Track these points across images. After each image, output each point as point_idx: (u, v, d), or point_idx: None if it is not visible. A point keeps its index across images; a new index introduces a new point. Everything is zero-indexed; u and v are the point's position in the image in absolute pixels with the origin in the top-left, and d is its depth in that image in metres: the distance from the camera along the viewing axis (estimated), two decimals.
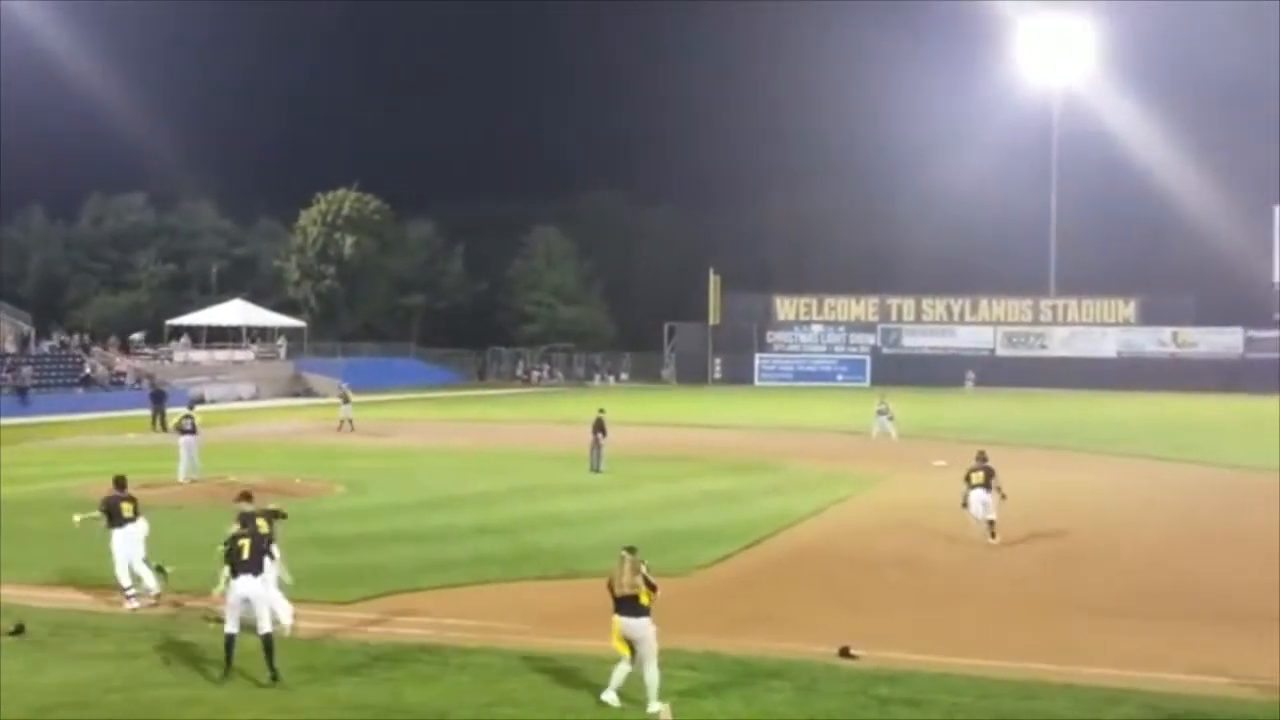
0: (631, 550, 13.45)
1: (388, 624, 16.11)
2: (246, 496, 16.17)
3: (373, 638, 15.35)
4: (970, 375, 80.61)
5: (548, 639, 15.30)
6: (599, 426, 32.86)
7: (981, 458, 22.74)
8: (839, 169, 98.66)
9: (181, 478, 30.90)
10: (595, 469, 32.27)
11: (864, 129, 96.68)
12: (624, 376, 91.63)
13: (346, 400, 47.40)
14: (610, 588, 13.34)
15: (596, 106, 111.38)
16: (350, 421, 46.18)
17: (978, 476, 22.30)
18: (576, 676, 13.87)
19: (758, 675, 13.93)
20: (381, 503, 27.08)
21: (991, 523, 22.01)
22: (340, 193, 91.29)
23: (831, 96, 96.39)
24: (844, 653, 14.64)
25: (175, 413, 38.36)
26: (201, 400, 49.53)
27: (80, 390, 60.10)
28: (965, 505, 22.26)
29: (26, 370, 57.93)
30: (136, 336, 73.47)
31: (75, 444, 41.64)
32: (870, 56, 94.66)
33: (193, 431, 31.49)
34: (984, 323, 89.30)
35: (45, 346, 65.65)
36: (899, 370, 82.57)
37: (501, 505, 26.43)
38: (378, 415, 56.84)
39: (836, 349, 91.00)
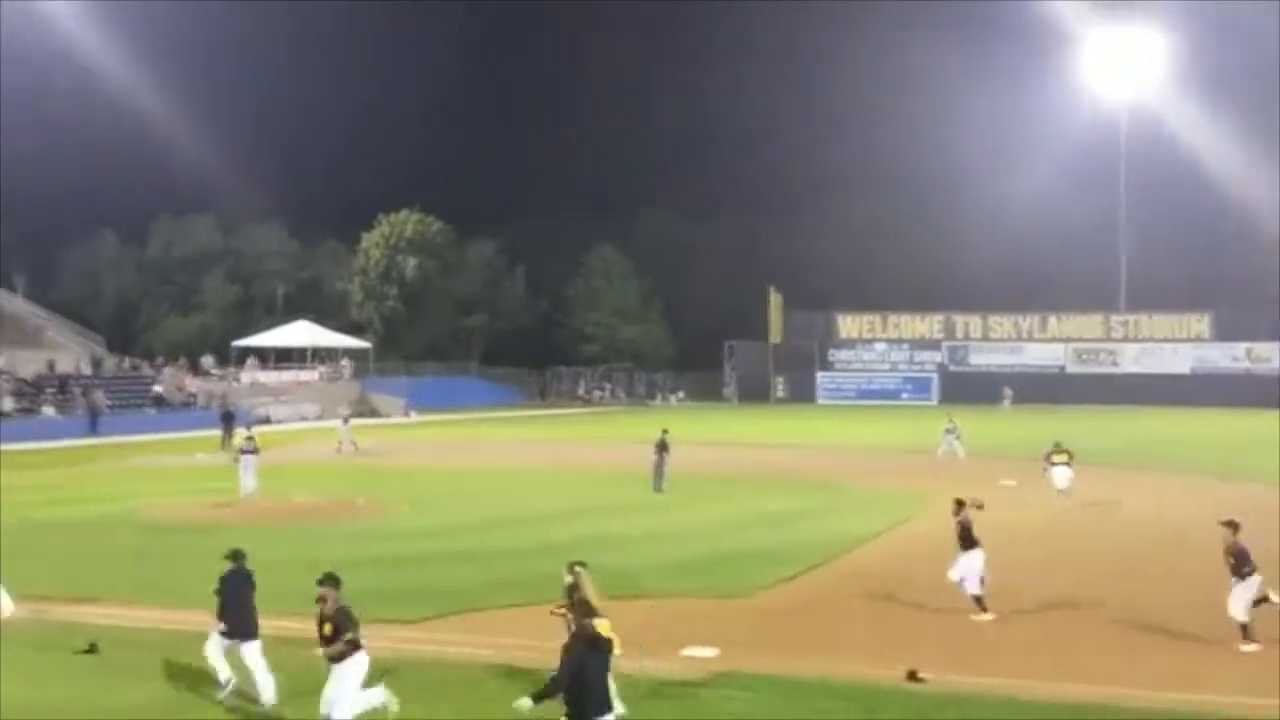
0: (584, 565, 13.53)
1: (451, 643, 16.18)
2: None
3: (436, 657, 15.43)
4: (1007, 392, 79.44)
5: None
6: (662, 446, 32.85)
7: (1059, 446, 29.55)
8: (902, 183, 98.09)
9: (243, 495, 31.41)
10: (657, 489, 32.24)
11: (927, 143, 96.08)
12: (681, 395, 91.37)
13: (346, 421, 47.92)
14: (586, 606, 12.74)
15: (654, 124, 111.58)
16: (354, 443, 46.33)
17: (1061, 456, 29.36)
18: (637, 697, 13.83)
19: (819, 698, 13.81)
20: (445, 522, 27.20)
21: (1068, 493, 28.50)
22: (403, 215, 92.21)
23: (894, 110, 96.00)
24: (911, 676, 14.45)
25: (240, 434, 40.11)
26: (267, 420, 50.09)
27: (151, 411, 61.06)
28: (1048, 478, 29.06)
29: (99, 393, 58.97)
30: (207, 360, 74.53)
31: (146, 464, 42.28)
32: (933, 69, 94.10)
33: (254, 451, 32.23)
34: (1053, 339, 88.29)
35: (117, 368, 66.75)
36: (965, 388, 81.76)
37: (564, 524, 26.44)
38: (440, 435, 57.23)
39: (901, 367, 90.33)
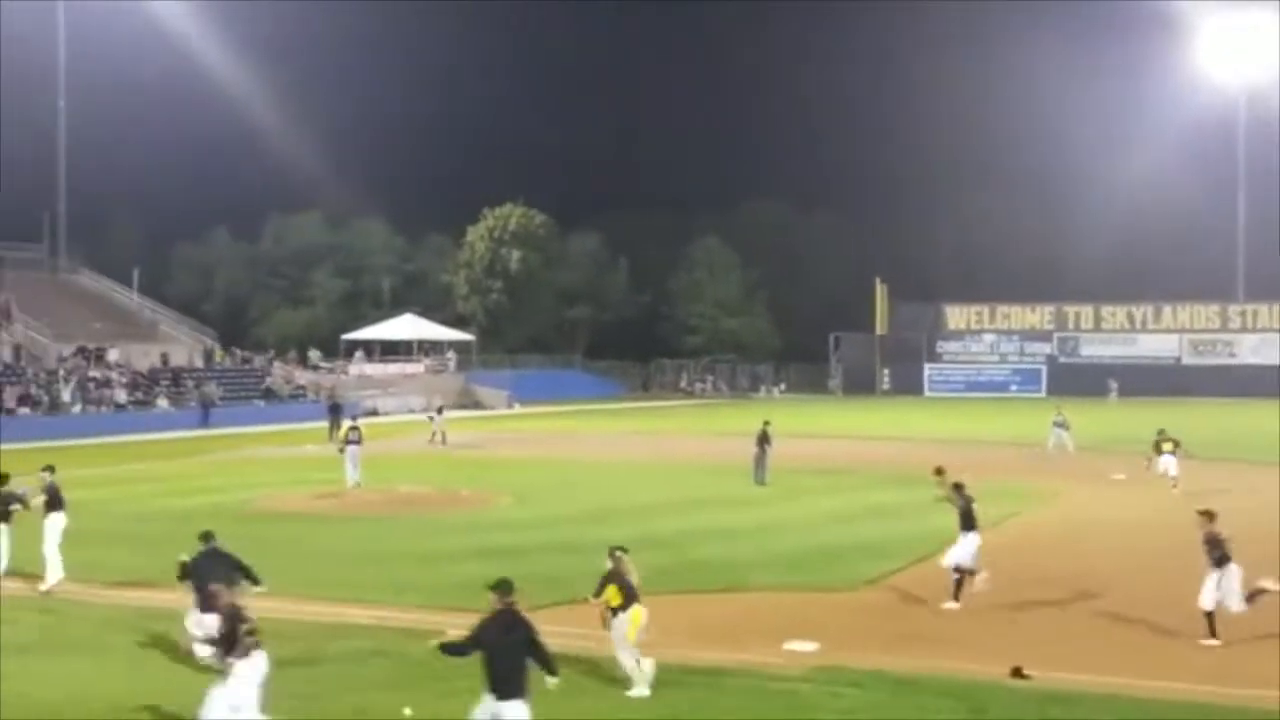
0: (625, 550, 14.27)
1: (550, 634, 16.09)
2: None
3: None
4: (1113, 384, 77.28)
5: (710, 652, 15.16)
6: (763, 438, 32.62)
7: (1163, 433, 31.61)
8: (1010, 172, 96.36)
9: (349, 486, 31.93)
10: (759, 481, 32.02)
11: (1038, 131, 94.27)
12: (782, 388, 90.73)
13: (440, 413, 48.57)
14: (619, 584, 13.85)
15: (758, 114, 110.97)
16: (443, 435, 46.55)
17: (1169, 445, 31.04)
18: (741, 690, 13.69)
19: (925, 694, 13.58)
20: (546, 514, 27.29)
21: (1175, 480, 30.19)
22: (507, 208, 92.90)
23: (1003, 98, 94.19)
24: (1016, 672, 14.17)
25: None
26: (374, 413, 50.86)
27: (261, 403, 62.30)
28: (1151, 468, 30.92)
29: (211, 386, 60.33)
30: (314, 354, 75.86)
31: (256, 456, 43.12)
32: (1044, 57, 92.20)
33: (358, 443, 32.84)
34: (1168, 330, 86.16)
35: (230, 362, 68.25)
36: (1077, 380, 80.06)
37: (664, 517, 26.39)
38: (543, 427, 57.59)
39: (1010, 359, 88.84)
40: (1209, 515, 16.44)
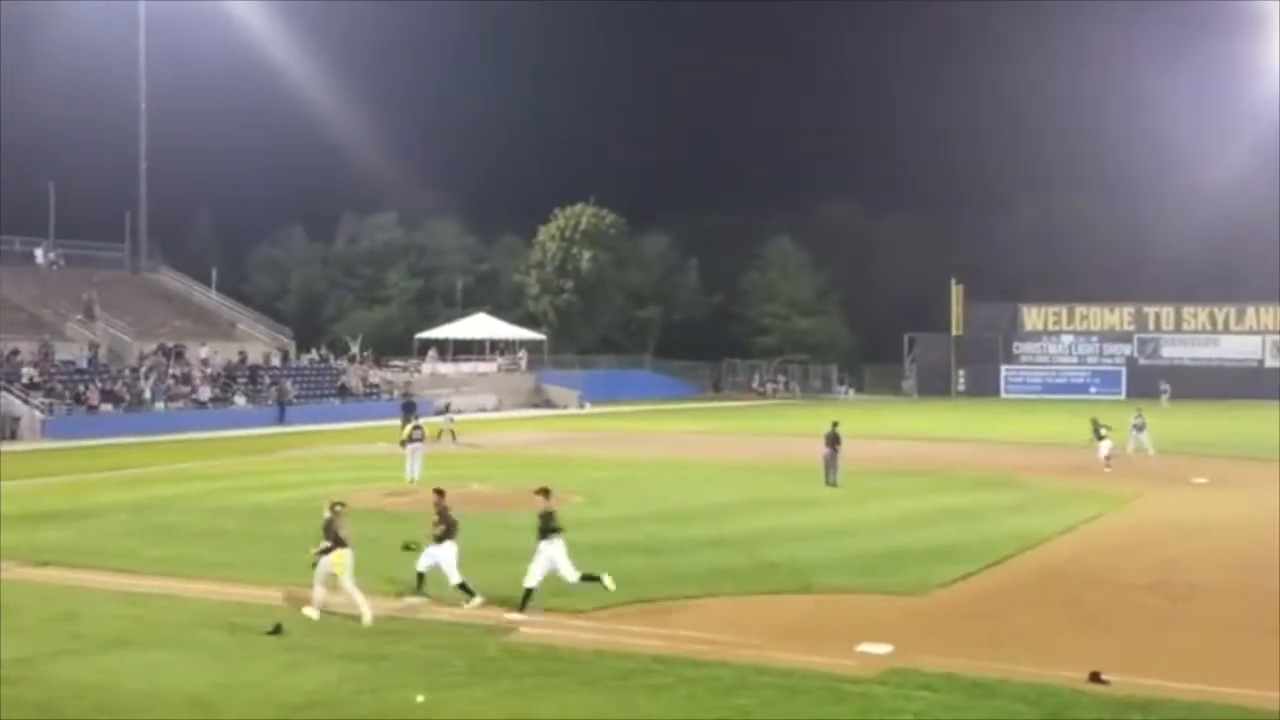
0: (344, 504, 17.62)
1: (622, 634, 16.18)
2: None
3: (606, 646, 15.43)
4: (1164, 387, 75.54)
5: (781, 653, 15.07)
6: (833, 439, 32.38)
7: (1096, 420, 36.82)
8: (1089, 171, 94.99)
9: (410, 481, 32.68)
10: (831, 483, 31.80)
11: (1116, 129, 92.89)
12: (849, 391, 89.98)
13: (447, 410, 49.96)
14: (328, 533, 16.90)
15: (831, 114, 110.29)
16: (452, 434, 46.62)
17: (1105, 430, 36.48)
18: (813, 691, 13.60)
19: (1000, 699, 13.39)
20: (617, 513, 27.31)
21: (1108, 458, 35.34)
22: (578, 208, 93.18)
23: (1081, 96, 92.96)
24: (1094, 678, 13.95)
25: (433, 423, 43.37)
26: (448, 410, 51.23)
27: (336, 401, 63.03)
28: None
29: (288, 383, 61.16)
30: (397, 366, 76.29)
31: (331, 453, 43.62)
32: (1123, 54, 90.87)
33: (420, 440, 33.95)
34: (1251, 331, 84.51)
35: (305, 360, 69.12)
36: (1157, 382, 78.67)
37: (736, 518, 26.31)
38: (614, 426, 57.68)
39: (1089, 360, 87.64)
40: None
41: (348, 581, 16.82)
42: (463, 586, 17.80)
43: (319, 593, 17.01)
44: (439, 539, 18.17)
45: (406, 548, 18.01)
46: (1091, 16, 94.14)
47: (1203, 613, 17.75)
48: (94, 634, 16.29)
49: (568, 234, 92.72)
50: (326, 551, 16.95)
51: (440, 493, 18.90)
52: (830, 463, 32.09)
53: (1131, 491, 31.27)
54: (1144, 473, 35.84)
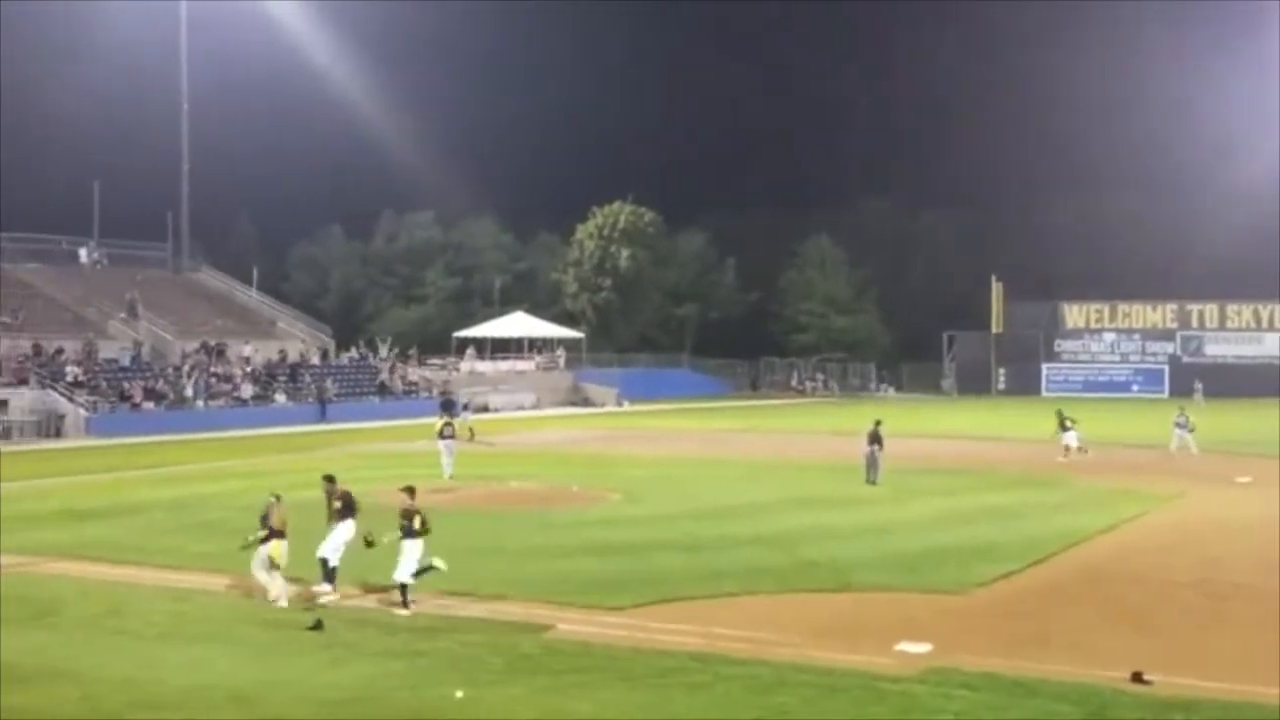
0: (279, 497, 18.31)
1: (659, 631, 16.17)
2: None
3: (644, 644, 15.43)
4: (1198, 385, 74.41)
5: (820, 652, 15.02)
6: (875, 437, 32.25)
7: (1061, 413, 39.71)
8: (1130, 168, 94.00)
9: (445, 477, 33.11)
10: (871, 481, 31.67)
11: (1158, 125, 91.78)
12: (888, 389, 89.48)
13: (466, 408, 50.38)
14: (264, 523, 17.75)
15: (869, 111, 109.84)
16: (471, 431, 46.22)
17: (1070, 422, 38.99)
18: (852, 690, 13.54)
19: (1041, 698, 13.32)
20: (655, 511, 27.30)
21: (1068, 450, 38.22)
22: (615, 206, 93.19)
23: (1121, 92, 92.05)
24: (1136, 678, 13.83)
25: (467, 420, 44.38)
26: (485, 409, 51.43)
27: (375, 399, 63.35)
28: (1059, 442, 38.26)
29: (328, 381, 61.54)
30: (435, 364, 76.55)
31: (370, 450, 43.83)
32: (1163, 51, 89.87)
33: (452, 437, 34.77)
34: None
35: (344, 358, 69.49)
36: (1200, 380, 77.76)
37: (774, 516, 26.24)
38: (652, 424, 57.67)
39: (1131, 358, 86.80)
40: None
41: (277, 571, 17.69)
42: (324, 563, 18.34)
43: (264, 579, 17.76)
44: (338, 518, 18.76)
45: (369, 544, 18.17)
46: (1133, 13, 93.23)
47: (1246, 613, 17.55)
48: (137, 629, 16.46)
49: (605, 232, 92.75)
50: (264, 540, 17.67)
51: (331, 479, 19.66)
52: (872, 461, 31.97)
53: (1174, 490, 30.97)
54: (1186, 471, 35.49)
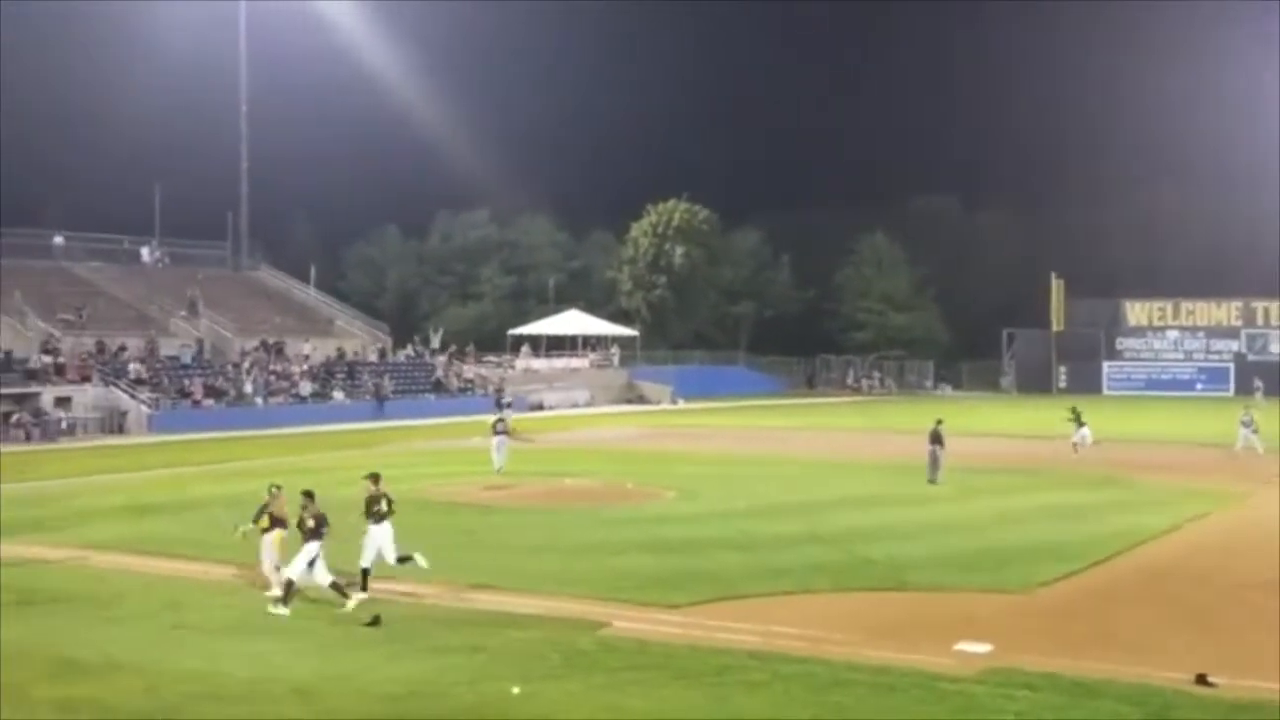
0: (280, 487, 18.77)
1: (716, 629, 16.11)
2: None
3: (700, 642, 15.37)
4: (1259, 384, 72.92)
5: (878, 651, 14.90)
6: (936, 437, 31.96)
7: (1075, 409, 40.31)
8: (1192, 162, 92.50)
9: (495, 470, 33.62)
10: (932, 480, 31.36)
11: (1221, 120, 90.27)
12: (947, 388, 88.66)
13: (509, 406, 49.94)
14: (269, 514, 18.20)
15: (925, 107, 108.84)
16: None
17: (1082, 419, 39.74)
18: (910, 690, 13.41)
19: (1103, 699, 13.14)
20: (711, 509, 27.24)
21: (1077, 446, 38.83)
22: (670, 204, 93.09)
23: (1185, 87, 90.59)
24: (1200, 679, 13.62)
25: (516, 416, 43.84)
26: (540, 407, 51.54)
27: (431, 396, 63.70)
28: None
29: (385, 379, 61.99)
30: (491, 362, 76.67)
31: (427, 447, 44.09)
32: (1226, 45, 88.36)
33: (505, 433, 35.13)
34: None
35: (401, 356, 69.94)
36: (1266, 379, 76.45)
37: (831, 514, 26.09)
38: (707, 422, 57.55)
39: (1195, 356, 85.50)
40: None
41: (272, 557, 18.19)
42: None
43: (269, 568, 18.16)
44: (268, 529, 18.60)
45: (241, 534, 18.92)
46: (1196, 9, 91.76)
47: None
48: (198, 623, 16.64)
49: (660, 230, 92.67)
50: (266, 531, 18.21)
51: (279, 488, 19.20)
52: (933, 460, 31.69)
53: (1240, 490, 30.50)
54: (1252, 472, 34.91)
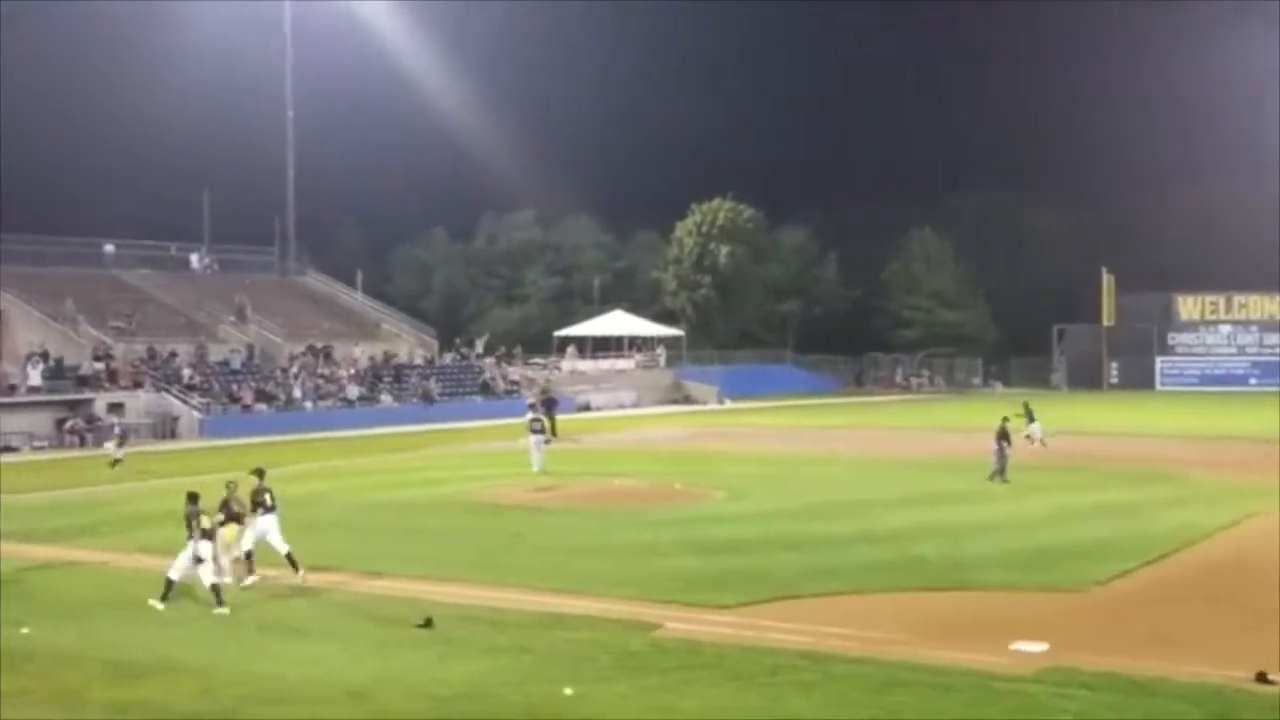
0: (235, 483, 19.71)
1: (768, 629, 16.01)
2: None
3: (752, 642, 15.28)
4: None
5: (932, 651, 14.75)
6: (1003, 434, 31.54)
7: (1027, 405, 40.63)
8: (1244, 154, 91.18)
9: (535, 469, 33.85)
10: (1001, 479, 30.82)
11: (1271, 115, 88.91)
12: (997, 385, 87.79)
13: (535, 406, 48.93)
14: (224, 509, 19.03)
15: (972, 101, 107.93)
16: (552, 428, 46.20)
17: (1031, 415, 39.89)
18: (967, 690, 13.26)
19: (1162, 698, 12.97)
20: (761, 508, 27.11)
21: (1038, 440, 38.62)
22: (714, 203, 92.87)
23: (1234, 79, 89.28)
24: (1260, 678, 13.42)
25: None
26: (587, 407, 51.56)
27: (478, 398, 63.88)
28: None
29: (432, 381, 62.23)
30: (537, 363, 76.85)
31: (474, 449, 44.21)
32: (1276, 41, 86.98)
33: (540, 432, 35.75)
34: None
35: (447, 358, 70.19)
36: None
37: (883, 513, 25.91)
38: (755, 422, 57.35)
39: (1249, 350, 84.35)
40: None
41: (231, 552, 19.04)
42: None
43: (226, 564, 18.79)
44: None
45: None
46: (1246, 4, 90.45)
47: None
48: (251, 624, 16.74)
49: (705, 229, 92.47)
50: (222, 524, 18.78)
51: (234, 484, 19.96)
52: (1000, 458, 31.27)
53: None
54: None
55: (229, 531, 18.93)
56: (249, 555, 19.53)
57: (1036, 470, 33.04)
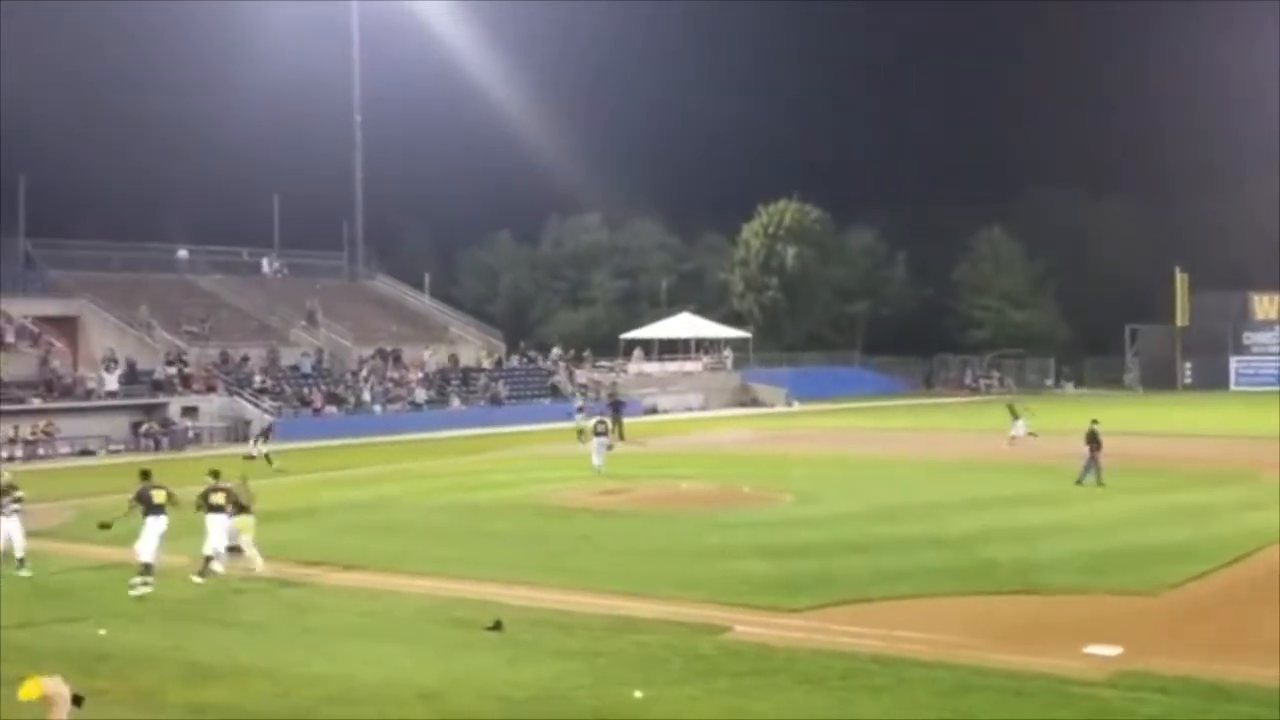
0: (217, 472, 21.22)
1: (838, 633, 15.94)
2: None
3: (823, 646, 15.22)
4: None
5: (1005, 655, 14.61)
6: (1093, 438, 30.93)
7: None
8: None
9: (594, 471, 34.40)
10: (1097, 481, 30.28)
11: None
12: (1069, 386, 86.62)
13: (580, 410, 49.98)
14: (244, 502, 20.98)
15: (1042, 99, 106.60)
16: (620, 432, 46.12)
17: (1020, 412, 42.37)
18: (1040, 694, 13.12)
19: (1240, 703, 12.75)
20: (830, 512, 26.99)
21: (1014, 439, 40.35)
22: (781, 204, 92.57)
23: None
24: None
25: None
26: (654, 410, 51.63)
27: (545, 401, 64.16)
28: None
29: (500, 384, 62.61)
30: (604, 366, 77.02)
31: (542, 452, 44.40)
32: None
33: (605, 434, 36.23)
34: None
35: (515, 361, 70.58)
36: None
37: (954, 516, 25.68)
38: (823, 424, 57.11)
39: None
40: None
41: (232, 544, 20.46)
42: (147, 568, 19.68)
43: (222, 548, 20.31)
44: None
45: (103, 526, 20.72)
46: None
47: None
48: (325, 626, 16.94)
49: (771, 230, 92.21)
50: (218, 511, 20.23)
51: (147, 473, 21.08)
52: (1089, 463, 30.73)
53: None
54: None
55: (240, 522, 20.55)
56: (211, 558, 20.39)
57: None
